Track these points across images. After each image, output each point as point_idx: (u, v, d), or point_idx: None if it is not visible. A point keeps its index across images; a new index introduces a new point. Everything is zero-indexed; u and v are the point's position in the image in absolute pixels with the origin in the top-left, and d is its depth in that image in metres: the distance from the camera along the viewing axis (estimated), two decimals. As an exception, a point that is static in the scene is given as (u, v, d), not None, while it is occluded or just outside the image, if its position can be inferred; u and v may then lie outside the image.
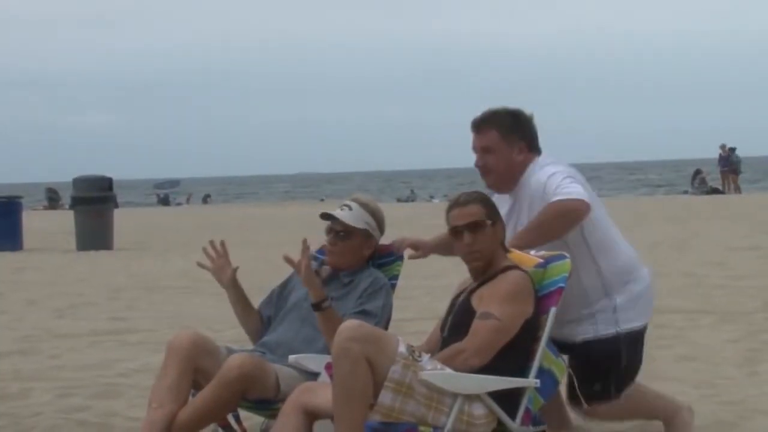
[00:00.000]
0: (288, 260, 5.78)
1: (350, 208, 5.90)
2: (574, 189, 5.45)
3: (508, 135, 5.64)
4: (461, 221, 5.30)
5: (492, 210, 5.36)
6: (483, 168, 5.70)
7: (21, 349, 10.42)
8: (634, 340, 5.72)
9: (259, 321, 6.07)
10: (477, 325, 5.13)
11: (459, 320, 5.27)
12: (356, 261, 5.92)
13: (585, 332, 5.63)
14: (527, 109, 5.75)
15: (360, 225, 5.88)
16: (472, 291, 5.31)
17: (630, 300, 5.69)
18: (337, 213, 5.89)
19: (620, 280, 5.67)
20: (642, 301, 5.74)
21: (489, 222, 5.31)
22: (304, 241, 5.72)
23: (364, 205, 5.94)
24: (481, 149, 5.68)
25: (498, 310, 5.13)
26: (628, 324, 5.68)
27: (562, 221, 5.43)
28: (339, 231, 5.88)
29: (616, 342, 5.65)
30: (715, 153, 47.95)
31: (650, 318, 5.83)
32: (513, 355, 5.16)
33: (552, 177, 5.52)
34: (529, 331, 5.21)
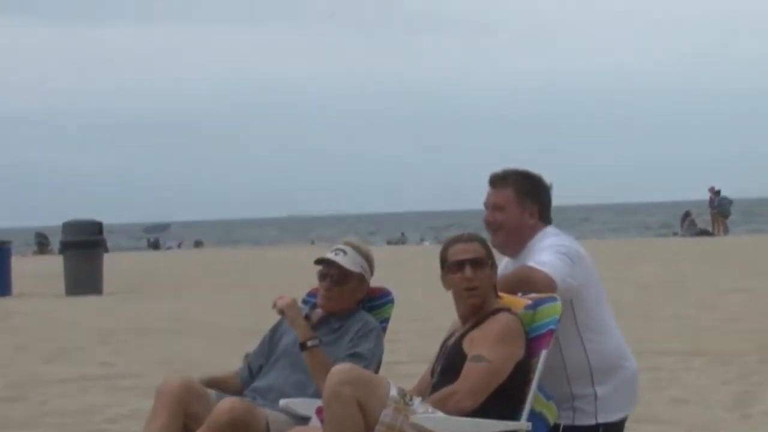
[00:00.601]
0: (276, 305, 5.81)
1: (345, 253, 5.88)
2: (553, 264, 5.38)
3: (523, 197, 5.59)
4: (464, 256, 5.30)
5: (491, 252, 5.38)
6: (492, 225, 5.62)
7: (9, 395, 10.35)
8: None
9: (239, 382, 6.00)
10: (469, 367, 5.11)
11: (450, 364, 5.24)
12: (351, 305, 5.90)
13: (563, 417, 5.47)
14: (548, 178, 5.70)
15: (356, 269, 5.86)
16: (463, 335, 5.28)
17: (614, 391, 5.53)
18: (334, 257, 5.88)
19: (606, 369, 5.53)
20: (625, 393, 5.59)
21: (489, 262, 5.32)
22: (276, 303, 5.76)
23: (358, 249, 5.92)
24: (493, 206, 5.61)
25: (489, 352, 5.11)
26: (608, 416, 5.52)
27: (521, 287, 5.39)
28: (334, 275, 5.86)
29: None
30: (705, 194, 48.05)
31: (632, 410, 5.65)
32: (504, 398, 5.13)
33: (548, 248, 5.48)
34: (520, 374, 5.18)
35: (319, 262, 5.90)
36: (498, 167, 5.71)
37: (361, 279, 5.88)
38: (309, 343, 5.69)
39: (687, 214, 50.25)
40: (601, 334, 5.56)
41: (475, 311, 5.31)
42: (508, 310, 5.28)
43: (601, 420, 5.52)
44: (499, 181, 5.64)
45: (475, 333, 5.22)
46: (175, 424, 5.53)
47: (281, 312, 5.85)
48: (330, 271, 5.85)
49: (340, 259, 5.84)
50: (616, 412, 5.56)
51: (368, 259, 5.92)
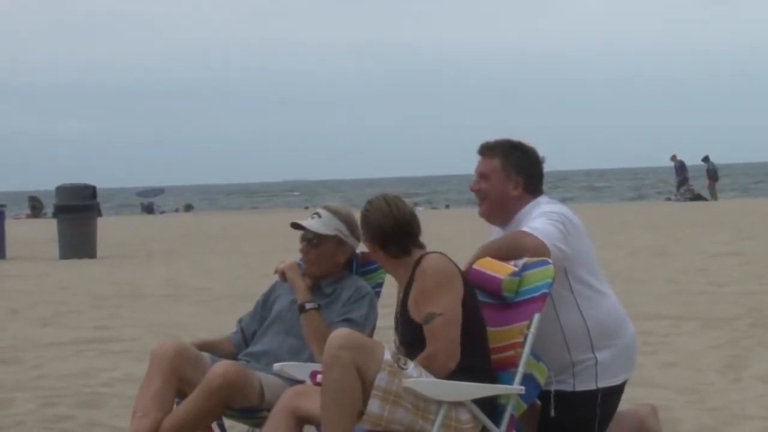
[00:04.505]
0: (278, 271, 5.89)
1: (320, 216, 5.94)
2: (545, 230, 5.42)
3: (509, 167, 5.62)
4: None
5: (367, 230, 5.36)
6: (478, 193, 5.66)
7: (3, 358, 10.38)
8: (612, 396, 5.62)
9: (231, 346, 6.03)
10: (430, 329, 5.12)
11: (409, 337, 5.26)
12: (332, 268, 5.93)
13: (562, 383, 5.52)
14: (541, 153, 5.71)
15: (330, 232, 5.90)
16: (404, 302, 5.30)
17: (614, 356, 5.58)
18: (306, 223, 5.94)
19: (605, 334, 5.57)
20: (624, 357, 5.64)
21: (368, 243, 5.36)
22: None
23: (335, 212, 5.97)
24: (479, 174, 5.66)
25: (435, 305, 5.13)
26: (608, 381, 5.57)
27: (512, 252, 5.42)
28: (311, 239, 5.92)
29: (593, 398, 5.55)
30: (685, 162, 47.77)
31: (631, 373, 5.70)
32: (468, 346, 5.15)
33: (541, 215, 5.50)
34: (470, 314, 5.18)
35: (293, 226, 5.99)
36: (492, 136, 5.75)
37: (339, 242, 5.91)
38: (308, 306, 5.75)
39: (684, 180, 50.04)
40: (597, 299, 5.59)
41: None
42: (423, 254, 5.26)
43: (602, 384, 5.57)
44: (487, 150, 5.69)
45: (414, 293, 5.21)
46: (170, 387, 5.56)
47: (282, 274, 5.92)
48: (306, 234, 5.92)
49: (312, 223, 5.90)
50: (615, 376, 5.61)
51: (347, 222, 5.94)
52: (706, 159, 47.97)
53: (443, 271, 5.18)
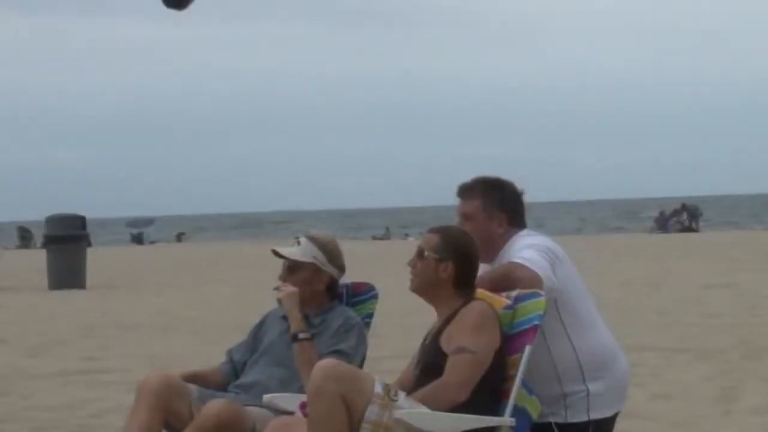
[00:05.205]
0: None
1: (299, 243, 5.96)
2: (536, 260, 5.44)
3: (490, 206, 5.66)
4: (421, 243, 5.43)
5: (448, 248, 5.37)
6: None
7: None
8: (603, 428, 5.60)
9: (220, 377, 6.01)
10: (455, 359, 5.14)
11: (430, 362, 5.26)
12: (311, 296, 5.91)
13: (554, 415, 5.51)
14: (519, 185, 5.74)
15: (306, 259, 5.90)
16: (439, 332, 5.31)
17: (606, 388, 5.58)
18: (284, 250, 5.96)
19: (597, 366, 5.57)
20: (616, 390, 5.64)
21: (434, 256, 5.33)
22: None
23: (313, 240, 5.98)
24: (462, 216, 5.70)
25: (471, 342, 5.15)
26: (600, 413, 5.56)
27: (506, 284, 5.43)
28: (288, 265, 5.94)
29: (584, 430, 5.54)
30: (658, 192, 48.07)
31: (623, 406, 5.68)
32: (485, 389, 5.15)
33: (527, 247, 5.53)
34: (498, 362, 5.21)
35: (274, 253, 5.99)
36: (470, 174, 5.76)
37: (315, 269, 5.90)
38: (300, 335, 5.73)
39: (677, 211, 49.68)
40: (588, 329, 5.59)
41: (425, 298, 5.37)
42: (477, 299, 5.31)
43: (593, 416, 5.55)
44: (466, 192, 5.72)
45: (452, 327, 5.25)
46: (155, 421, 5.55)
47: (279, 301, 5.90)
48: (285, 261, 5.95)
49: (290, 250, 5.93)
50: (607, 408, 5.59)
51: (325, 250, 5.93)
52: (683, 206, 48.42)
53: (490, 317, 5.23)
